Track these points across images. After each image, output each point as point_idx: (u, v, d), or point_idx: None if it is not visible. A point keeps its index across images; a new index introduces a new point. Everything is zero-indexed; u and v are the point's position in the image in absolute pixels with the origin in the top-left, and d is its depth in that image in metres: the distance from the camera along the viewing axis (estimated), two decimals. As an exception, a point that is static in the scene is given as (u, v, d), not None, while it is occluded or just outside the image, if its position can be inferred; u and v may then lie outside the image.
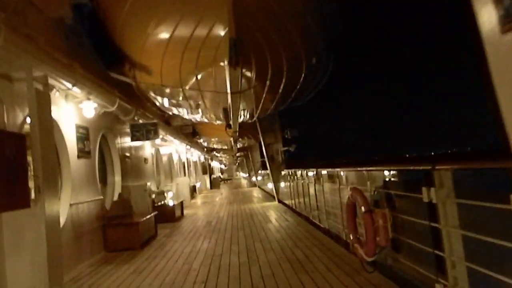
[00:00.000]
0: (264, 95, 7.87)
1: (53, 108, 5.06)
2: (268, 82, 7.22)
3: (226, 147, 30.25)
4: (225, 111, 8.90)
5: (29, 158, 4.60)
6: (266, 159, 16.49)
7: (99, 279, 5.51)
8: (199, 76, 7.10)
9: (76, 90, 6.18)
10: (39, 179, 4.34)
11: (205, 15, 5.57)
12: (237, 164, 60.43)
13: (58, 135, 6.07)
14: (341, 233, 6.48)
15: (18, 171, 4.38)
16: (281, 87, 7.67)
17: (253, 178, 32.99)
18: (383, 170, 5.13)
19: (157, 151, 14.04)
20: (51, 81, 5.26)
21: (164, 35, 6.27)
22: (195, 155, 25.41)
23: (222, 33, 5.61)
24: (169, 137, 14.17)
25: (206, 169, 33.36)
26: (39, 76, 4.79)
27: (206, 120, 11.76)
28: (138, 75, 8.11)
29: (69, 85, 5.89)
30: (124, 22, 6.76)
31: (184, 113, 10.63)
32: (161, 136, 12.09)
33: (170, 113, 11.64)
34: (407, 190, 4.14)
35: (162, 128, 12.10)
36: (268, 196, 19.07)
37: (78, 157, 6.66)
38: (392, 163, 5.23)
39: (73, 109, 6.65)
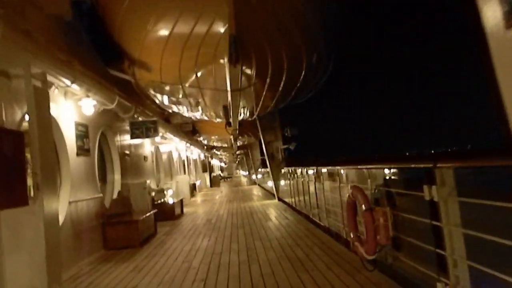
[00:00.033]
0: (264, 93, 7.84)
1: (52, 105, 5.03)
2: (268, 80, 7.18)
3: (226, 145, 30.25)
4: (225, 108, 8.88)
5: (28, 156, 4.57)
6: (266, 157, 16.46)
7: (98, 277, 5.49)
8: (199, 74, 7.06)
9: (75, 87, 6.15)
10: (37, 176, 4.30)
11: (205, 12, 5.54)
12: (237, 162, 60.42)
13: (57, 133, 6.04)
14: (341, 231, 6.46)
15: (16, 169, 4.35)
16: (281, 84, 7.63)
17: (253, 176, 33.01)
18: (384, 168, 5.09)
19: (157, 149, 14.02)
20: (50, 78, 5.23)
21: (164, 31, 6.24)
22: (195, 153, 25.40)
23: (222, 29, 5.57)
24: (169, 135, 14.14)
25: (206, 167, 33.36)
26: (37, 73, 4.75)
27: (206, 118, 11.74)
28: (137, 72, 8.07)
29: (68, 82, 5.86)
30: (123, 18, 6.72)
31: (184, 110, 10.60)
32: (160, 134, 12.07)
33: (170, 110, 11.60)
34: (408, 189, 4.12)
35: (162, 126, 12.07)
36: (268, 194, 19.06)
37: (77, 154, 6.63)
38: (393, 161, 5.20)
39: (72, 106, 6.62)
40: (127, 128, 9.80)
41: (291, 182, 12.72)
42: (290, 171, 12.87)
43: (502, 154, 2.42)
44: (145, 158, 11.60)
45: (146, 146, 11.96)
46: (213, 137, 24.60)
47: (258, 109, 9.38)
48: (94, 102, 6.96)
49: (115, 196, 8.58)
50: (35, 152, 4.35)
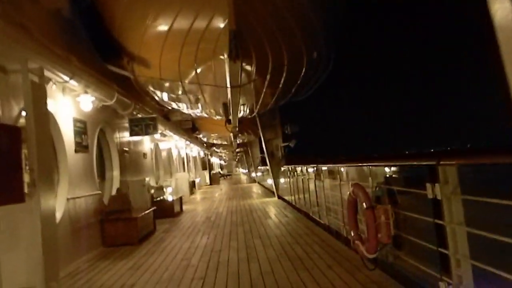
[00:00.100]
0: (264, 90, 7.78)
1: (50, 101, 4.98)
2: (268, 76, 7.12)
3: (225, 143, 30.21)
4: (225, 105, 8.82)
5: (25, 152, 4.51)
6: (266, 154, 16.40)
7: (96, 275, 5.44)
8: (198, 70, 7.00)
9: (73, 83, 6.09)
10: (34, 172, 4.25)
11: (205, 7, 5.47)
12: (236, 159, 60.42)
13: (55, 129, 5.98)
14: (341, 229, 6.41)
15: (12, 165, 4.28)
16: (282, 81, 7.57)
17: (253, 174, 32.99)
18: (386, 166, 5.04)
19: (156, 146, 13.96)
20: (47, 73, 5.17)
21: (163, 27, 6.17)
22: (195, 151, 25.36)
23: (222, 25, 5.50)
24: (168, 132, 14.10)
25: (206, 165, 33.36)
26: (35, 68, 4.68)
27: (205, 115, 11.69)
28: (136, 69, 8.01)
29: (66, 78, 5.80)
30: (122, 14, 6.66)
31: (183, 107, 10.55)
32: (160, 131, 12.02)
33: (169, 107, 11.55)
34: (410, 186, 4.07)
35: (161, 123, 12.02)
36: (268, 192, 19.02)
37: (76, 151, 6.57)
38: (396, 159, 5.14)
39: (70, 102, 6.56)
40: (126, 125, 9.74)
41: (291, 180, 12.67)
42: (290, 169, 12.83)
43: (508, 151, 2.37)
44: (144, 155, 11.55)
45: (146, 143, 11.91)
46: (212, 135, 24.57)
47: (258, 106, 9.33)
48: (93, 98, 6.90)
49: (114, 193, 8.54)
50: (32, 148, 4.29)
